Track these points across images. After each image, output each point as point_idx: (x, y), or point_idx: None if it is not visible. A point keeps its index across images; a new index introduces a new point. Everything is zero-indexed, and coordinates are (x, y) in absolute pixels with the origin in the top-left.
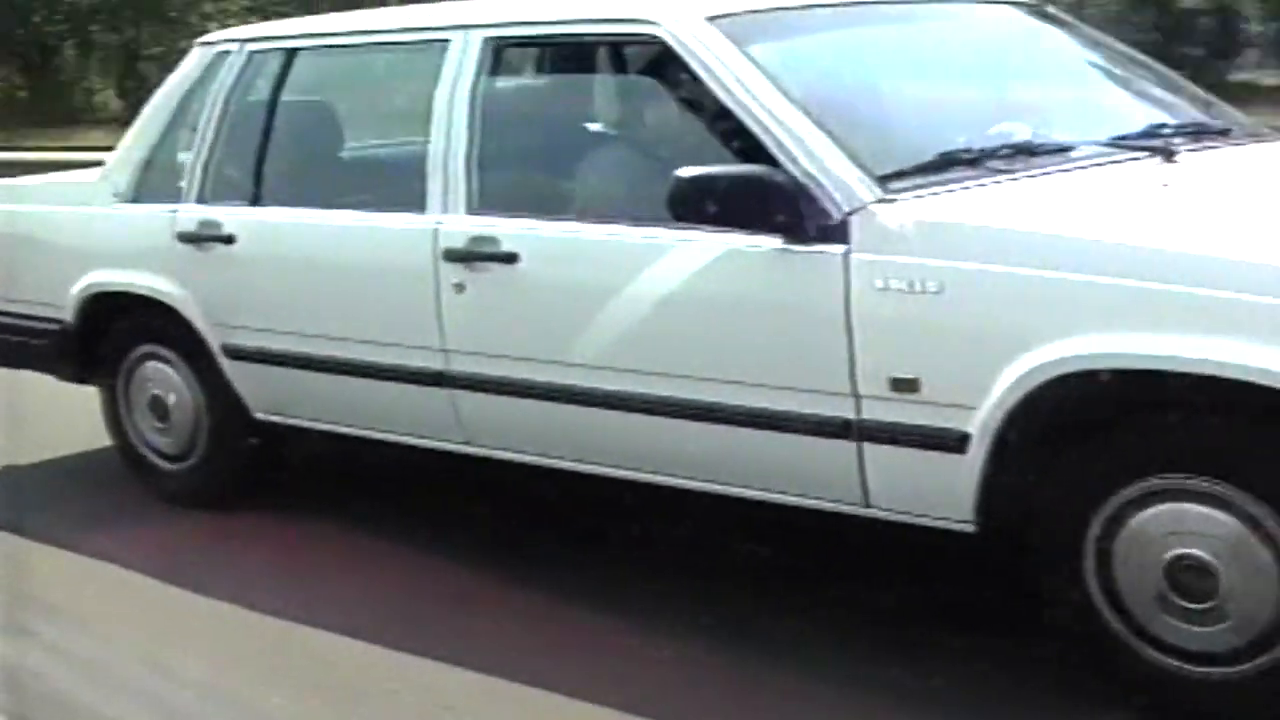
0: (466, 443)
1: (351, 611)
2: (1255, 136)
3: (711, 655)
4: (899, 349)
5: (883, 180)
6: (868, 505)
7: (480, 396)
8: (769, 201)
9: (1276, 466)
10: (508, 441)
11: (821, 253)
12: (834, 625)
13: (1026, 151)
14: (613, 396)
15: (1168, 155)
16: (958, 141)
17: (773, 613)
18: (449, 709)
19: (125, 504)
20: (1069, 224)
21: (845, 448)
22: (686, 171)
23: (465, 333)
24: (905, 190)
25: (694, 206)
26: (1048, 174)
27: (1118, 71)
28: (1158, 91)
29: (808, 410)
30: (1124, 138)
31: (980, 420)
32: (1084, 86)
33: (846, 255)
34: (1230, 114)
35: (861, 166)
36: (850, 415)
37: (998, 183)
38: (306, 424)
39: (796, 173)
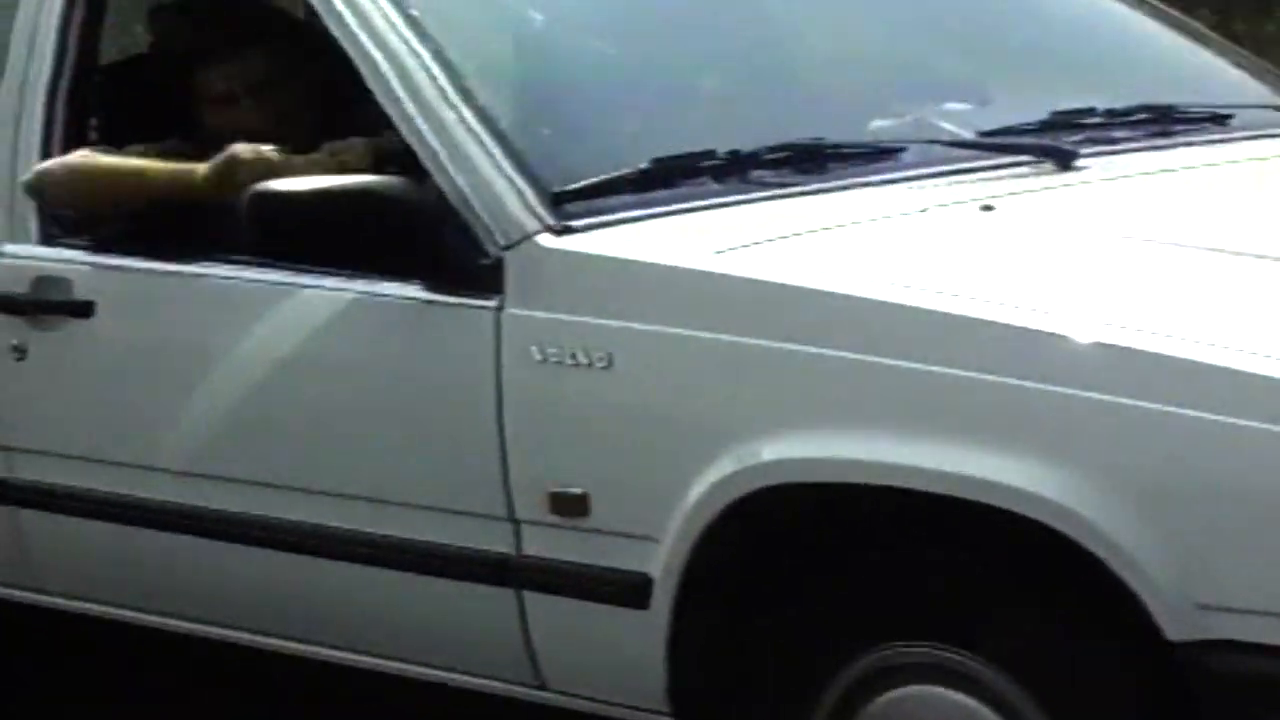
0: (39, 589)
1: None
2: (1269, 130)
3: None
4: (561, 451)
5: (560, 199)
6: (541, 686)
7: (48, 518)
8: (401, 230)
9: (1037, 637)
10: (89, 587)
11: (467, 306)
12: None
13: (817, 156)
14: (210, 519)
15: (1063, 160)
16: (706, 142)
17: None
18: None
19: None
20: (777, 266)
21: (504, 599)
22: (275, 186)
23: (27, 420)
24: (594, 214)
25: (284, 238)
26: (833, 191)
27: (1076, 24)
28: (1139, 54)
29: (454, 542)
30: (1012, 131)
31: (663, 558)
32: (998, 52)
33: (499, 311)
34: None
35: (531, 178)
36: (508, 550)
37: (744, 203)
38: None
39: (443, 186)
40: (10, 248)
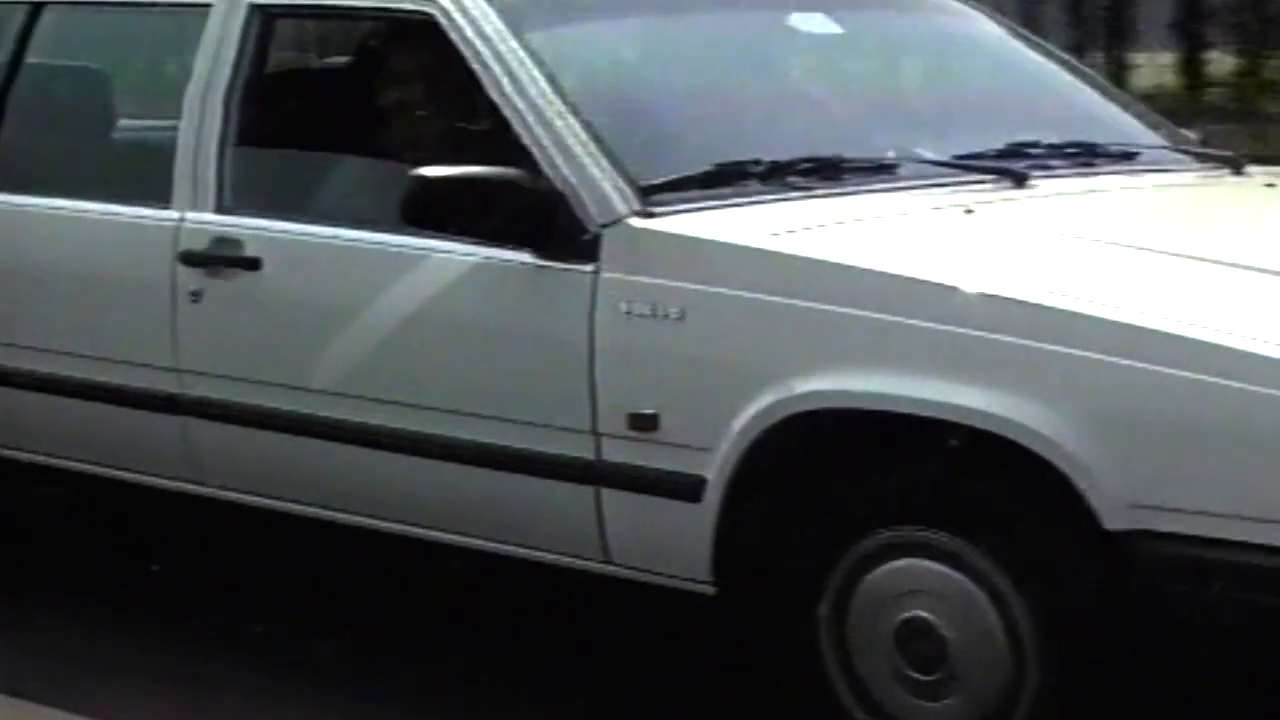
0: (200, 482)
1: None
2: (1163, 165)
3: None
4: (639, 382)
5: (646, 191)
6: (608, 561)
7: (215, 426)
8: (520, 210)
9: (1005, 521)
10: (245, 482)
11: (570, 270)
12: None
13: (834, 168)
14: (352, 429)
15: (1019, 180)
16: (752, 153)
17: None
18: None
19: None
20: (814, 246)
21: (584, 493)
22: (428, 171)
23: (201, 350)
24: (671, 204)
25: (432, 212)
26: (847, 194)
27: (1021, 80)
28: (1066, 104)
29: (547, 449)
30: (976, 156)
31: (717, 464)
32: (962, 97)
33: (595, 275)
34: (1168, 138)
35: (624, 175)
36: (590, 456)
37: (782, 200)
38: (22, 456)
39: (554, 178)
40: (192, 214)
